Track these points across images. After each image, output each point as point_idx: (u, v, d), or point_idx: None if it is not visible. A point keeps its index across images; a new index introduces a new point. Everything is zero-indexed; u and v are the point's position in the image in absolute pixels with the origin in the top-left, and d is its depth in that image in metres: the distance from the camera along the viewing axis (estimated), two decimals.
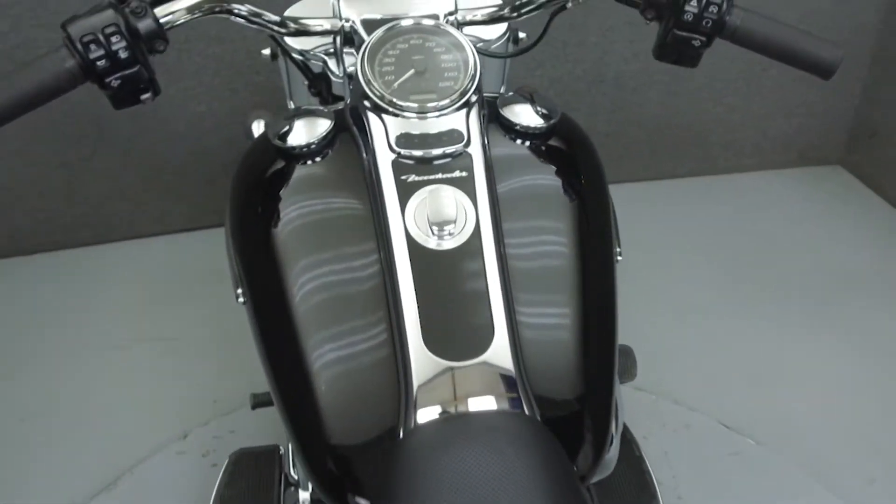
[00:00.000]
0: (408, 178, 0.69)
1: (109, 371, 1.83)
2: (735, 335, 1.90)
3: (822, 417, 1.67)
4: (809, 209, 2.44)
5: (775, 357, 1.83)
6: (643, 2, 0.77)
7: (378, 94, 0.72)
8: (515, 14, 0.85)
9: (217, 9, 0.75)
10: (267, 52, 1.06)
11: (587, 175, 0.79)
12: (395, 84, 0.73)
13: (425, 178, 0.69)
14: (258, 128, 1.21)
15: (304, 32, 0.85)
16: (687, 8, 0.73)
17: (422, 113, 0.72)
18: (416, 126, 0.72)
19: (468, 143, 0.71)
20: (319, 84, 0.98)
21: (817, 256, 2.21)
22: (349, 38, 0.86)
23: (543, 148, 0.78)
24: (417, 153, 0.70)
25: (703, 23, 0.73)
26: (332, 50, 0.94)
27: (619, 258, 0.78)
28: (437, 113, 0.72)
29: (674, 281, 2.08)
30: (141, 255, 2.22)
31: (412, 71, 0.74)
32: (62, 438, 1.65)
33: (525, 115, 0.79)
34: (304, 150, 0.74)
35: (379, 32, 0.77)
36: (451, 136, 0.71)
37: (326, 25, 0.85)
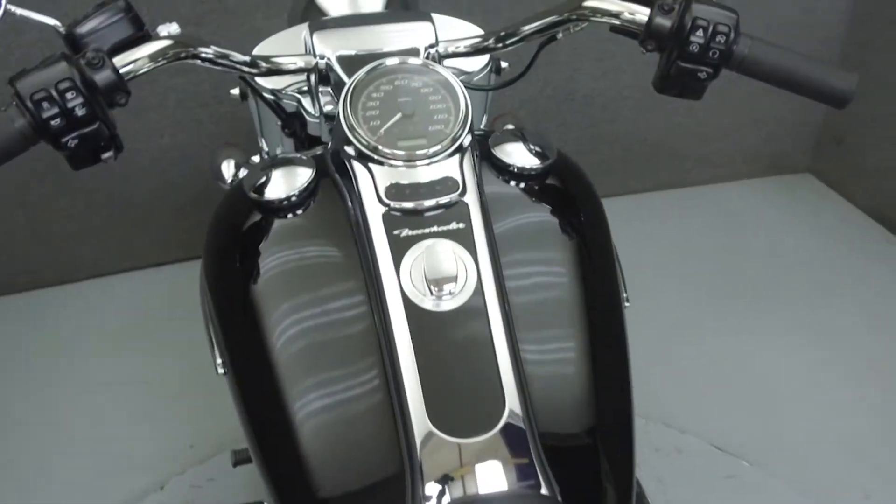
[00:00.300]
0: (401, 233, 0.64)
1: (79, 417, 1.74)
2: (719, 351, 1.88)
3: (813, 432, 1.65)
4: (782, 217, 2.45)
5: (761, 372, 1.82)
6: (642, 32, 0.72)
7: (363, 141, 0.67)
8: (500, 45, 0.81)
9: (182, 54, 0.70)
10: (236, 91, 1.01)
11: (588, 217, 0.76)
12: (382, 130, 0.68)
13: (420, 231, 0.64)
14: (228, 168, 1.16)
15: (276, 72, 0.80)
16: (692, 38, 0.68)
17: (412, 161, 0.67)
18: (406, 175, 0.67)
19: (463, 192, 0.66)
20: (293, 124, 0.93)
21: (794, 265, 2.21)
22: (324, 76, 0.81)
23: (541, 190, 0.74)
24: (409, 205, 0.65)
25: (710, 53, 0.69)
26: (305, 88, 0.89)
27: (626, 304, 0.74)
28: (428, 160, 0.67)
29: (651, 297, 2.05)
30: (107, 294, 2.14)
31: (399, 115, 0.69)
32: (29, 493, 1.57)
33: (519, 154, 0.74)
34: (284, 203, 0.69)
35: (361, 73, 0.71)
36: (445, 185, 0.66)
37: (300, 63, 0.80)
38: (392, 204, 0.65)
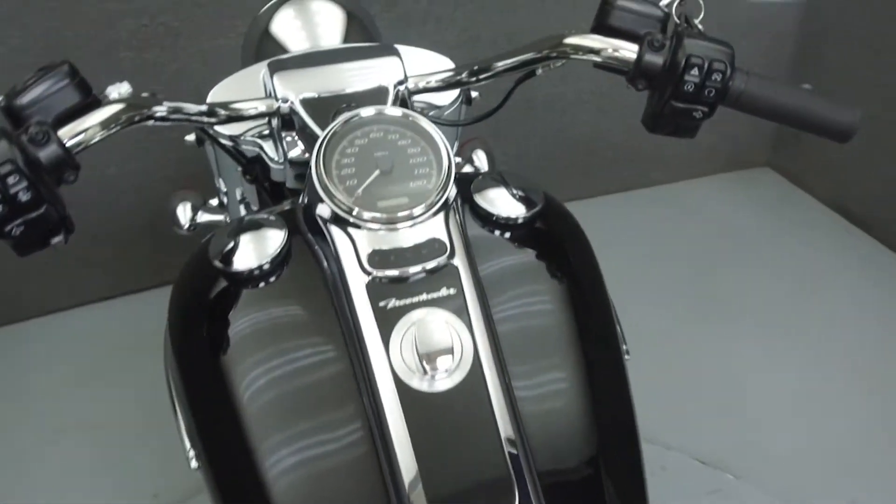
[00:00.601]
0: (387, 304, 0.58)
1: (33, 469, 1.64)
2: (693, 358, 1.86)
3: (794, 439, 1.65)
4: (745, 212, 2.46)
5: (737, 377, 1.81)
6: (632, 70, 0.68)
7: (340, 204, 0.61)
8: (474, 80, 0.76)
9: (136, 118, 0.63)
10: (191, 138, 0.93)
11: (582, 266, 0.71)
12: (359, 190, 0.62)
13: (408, 301, 0.58)
14: (184, 212, 1.09)
15: (236, 118, 0.74)
16: (687, 77, 0.64)
17: (394, 224, 0.61)
18: (388, 239, 0.61)
19: (452, 254, 0.61)
20: (255, 170, 0.86)
21: (760, 261, 2.22)
22: (288, 120, 0.75)
23: (531, 240, 0.69)
24: (394, 273, 0.59)
25: (706, 92, 0.65)
26: (266, 132, 0.83)
27: (627, 356, 0.70)
28: (411, 222, 0.61)
29: (620, 302, 2.03)
30: (56, 332, 2.02)
31: (377, 172, 0.63)
32: None
33: (503, 202, 0.69)
34: (255, 272, 0.62)
35: (335, 127, 0.65)
36: (432, 248, 0.61)
37: (261, 107, 0.74)
38: (375, 272, 0.59)
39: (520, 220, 0.68)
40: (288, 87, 0.74)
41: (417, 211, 0.61)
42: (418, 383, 0.55)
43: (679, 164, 2.59)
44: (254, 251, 0.63)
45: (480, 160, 1.11)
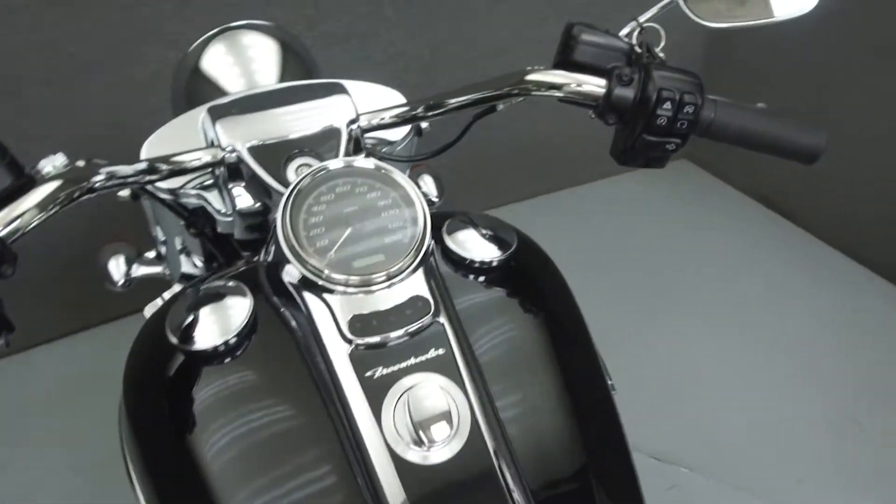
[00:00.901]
0: (374, 374, 0.55)
1: None
2: (635, 352, 1.90)
3: (740, 426, 1.71)
4: (669, 204, 2.55)
5: (679, 369, 1.87)
6: (601, 105, 0.67)
7: (312, 268, 0.57)
8: (430, 114, 0.74)
9: (76, 193, 0.58)
10: (125, 193, 0.88)
11: (562, 306, 0.70)
12: (332, 252, 0.58)
13: (396, 367, 0.55)
14: (117, 267, 1.01)
15: (179, 172, 0.68)
16: (660, 112, 0.64)
17: (372, 286, 0.57)
18: (368, 302, 0.57)
19: (436, 311, 0.58)
20: (199, 223, 0.81)
21: (688, 252, 2.30)
22: (234, 170, 0.70)
23: (508, 282, 0.67)
24: (378, 339, 0.56)
25: (678, 125, 0.65)
26: (209, 182, 0.78)
27: (614, 391, 0.70)
28: (391, 282, 0.58)
29: None
30: None
31: (349, 230, 0.59)
32: None
33: (475, 244, 0.67)
34: (221, 348, 0.58)
35: (300, 183, 0.61)
36: (415, 307, 0.58)
37: (205, 158, 0.69)
38: (358, 340, 0.56)
39: (494, 263, 0.66)
40: (233, 134, 0.69)
41: (396, 269, 0.58)
42: (416, 456, 0.52)
43: (604, 161, 2.63)
44: (217, 326, 0.58)
45: (428, 186, 1.09)
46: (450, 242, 0.66)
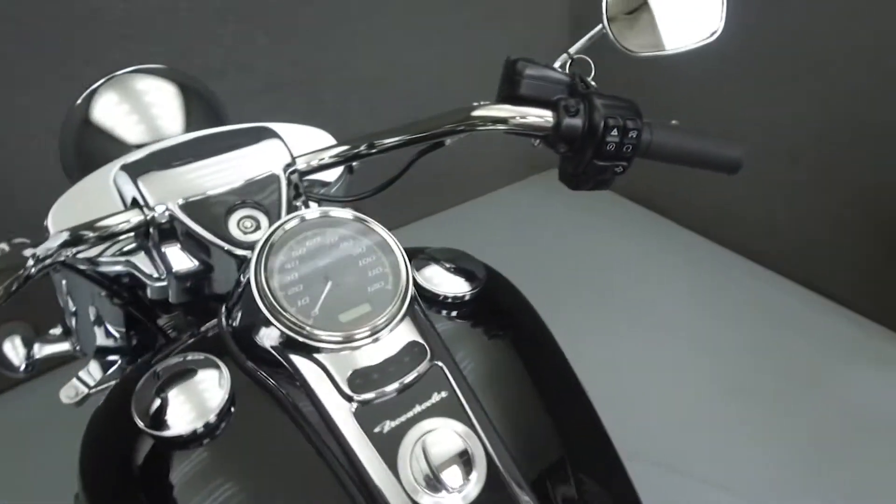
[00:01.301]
0: (383, 429, 0.52)
1: None
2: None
3: (674, 420, 1.78)
4: (558, 212, 2.63)
5: (607, 371, 1.92)
6: (551, 136, 0.70)
7: (297, 328, 0.53)
8: (373, 151, 0.71)
9: (14, 286, 0.52)
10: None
11: (537, 331, 0.71)
12: (316, 309, 0.54)
13: (403, 418, 0.53)
14: (15, 350, 0.88)
15: (107, 238, 0.61)
16: (609, 139, 0.68)
17: (363, 340, 0.54)
18: (363, 356, 0.54)
19: (433, 355, 0.56)
20: (124, 293, 0.73)
21: (584, 258, 2.38)
22: (166, 230, 0.64)
23: (483, 315, 0.67)
24: (381, 393, 0.53)
25: (625, 149, 0.69)
26: (132, 245, 0.70)
27: None
28: (382, 332, 0.55)
29: None
30: None
31: (329, 283, 0.56)
32: None
33: (445, 280, 0.66)
34: (201, 430, 0.52)
35: (273, 238, 0.57)
36: (412, 353, 0.55)
37: (132, 220, 0.62)
38: (360, 397, 0.53)
39: (467, 297, 0.66)
40: (161, 192, 0.63)
41: (385, 319, 0.55)
42: (442, 502, 0.50)
43: (490, 175, 2.70)
44: (193, 406, 0.53)
45: None
46: (420, 280, 0.65)
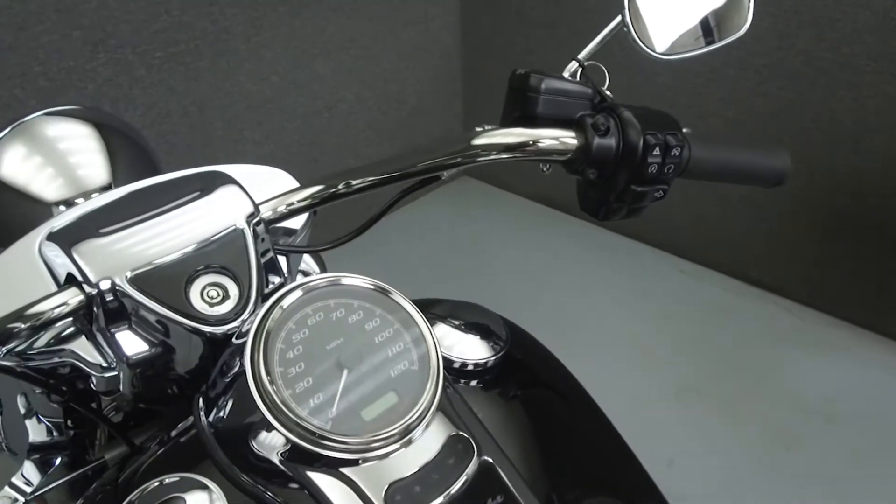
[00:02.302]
0: None
1: None
2: None
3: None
4: (465, 222, 2.59)
5: None
6: (577, 159, 0.60)
7: (313, 436, 0.42)
8: (352, 190, 0.59)
9: None
10: None
11: (568, 388, 0.63)
12: (334, 409, 0.43)
13: None
14: None
15: (42, 326, 0.48)
16: (650, 159, 0.58)
17: (396, 443, 0.44)
18: (400, 463, 0.43)
19: (480, 450, 0.46)
20: (61, 388, 0.59)
21: (500, 261, 2.35)
22: (113, 309, 0.50)
23: (510, 380, 0.58)
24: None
25: (667, 170, 0.60)
26: (70, 330, 0.55)
27: None
28: (418, 429, 0.45)
29: None
30: None
31: (345, 373, 0.45)
32: None
33: (462, 342, 0.57)
34: None
35: (271, 316, 0.45)
36: (457, 453, 0.45)
37: (70, 302, 0.48)
38: None
39: (491, 362, 0.57)
40: (103, 263, 0.49)
41: (419, 412, 0.44)
42: None
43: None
44: None
45: (310, 265, 0.93)
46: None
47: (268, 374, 0.43)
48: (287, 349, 0.44)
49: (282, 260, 0.62)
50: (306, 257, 0.91)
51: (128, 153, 0.77)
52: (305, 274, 0.85)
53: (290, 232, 0.67)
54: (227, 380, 0.46)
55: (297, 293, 0.47)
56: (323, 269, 0.96)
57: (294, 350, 0.44)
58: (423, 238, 2.49)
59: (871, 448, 1.71)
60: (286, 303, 0.46)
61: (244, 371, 0.43)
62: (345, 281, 0.49)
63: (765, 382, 1.91)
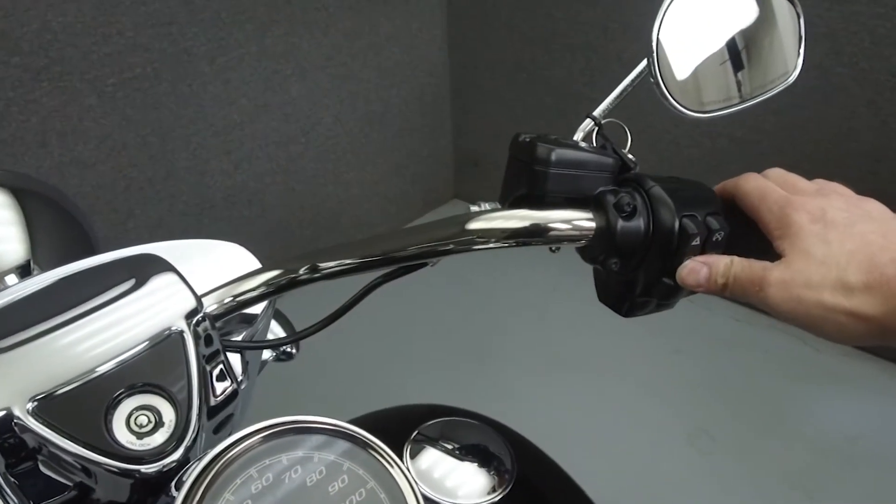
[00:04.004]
0: None
1: None
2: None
3: (638, 475, 1.61)
4: None
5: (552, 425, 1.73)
6: (596, 245, 0.48)
7: None
8: (319, 277, 0.49)
9: None
10: None
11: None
12: None
13: None
14: None
15: None
16: (687, 249, 0.46)
17: None
18: None
19: None
20: None
21: (488, 288, 2.20)
22: (14, 446, 0.39)
23: None
24: None
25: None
26: None
27: None
28: None
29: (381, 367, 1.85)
30: None
31: None
32: None
33: (460, 481, 0.49)
34: None
35: (202, 483, 0.35)
36: None
37: None
38: None
39: (499, 497, 0.49)
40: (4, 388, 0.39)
41: None
42: None
43: (380, 220, 2.45)
44: None
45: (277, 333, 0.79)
46: (428, 490, 0.48)
47: None
48: None
49: (236, 357, 0.53)
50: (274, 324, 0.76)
51: (53, 226, 0.64)
52: (276, 352, 0.72)
53: (247, 318, 0.55)
54: None
55: (235, 452, 0.36)
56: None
57: None
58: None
59: None
60: (220, 469, 0.35)
61: None
62: (300, 428, 0.38)
63: (782, 421, 1.78)
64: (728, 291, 0.45)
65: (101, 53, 1.55)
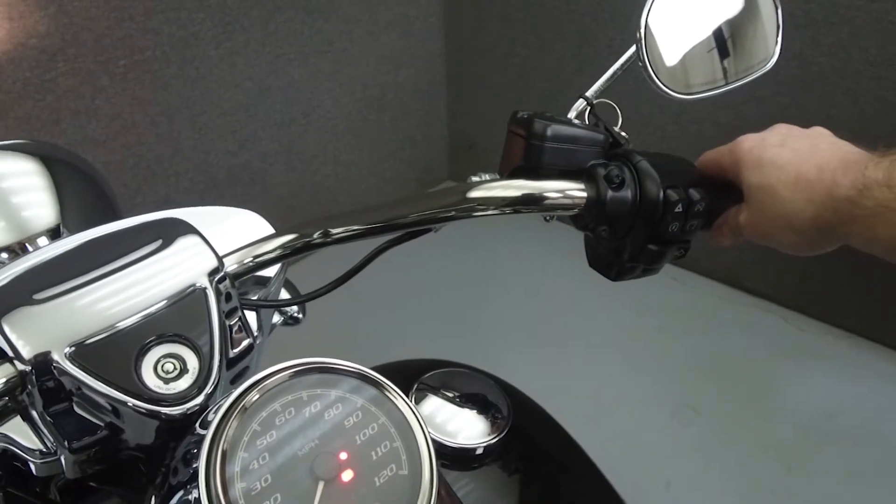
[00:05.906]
0: None
1: None
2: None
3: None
4: (450, 228, 2.50)
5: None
6: (586, 213, 0.53)
7: None
8: (330, 241, 0.53)
9: None
10: None
11: (572, 460, 0.59)
12: None
13: None
14: None
15: None
16: (671, 217, 0.52)
17: None
18: None
19: None
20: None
21: (488, 271, 2.27)
22: (51, 388, 0.43)
23: (514, 459, 0.54)
24: None
25: (689, 226, 0.53)
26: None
27: None
28: None
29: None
30: None
31: (320, 486, 0.37)
32: None
33: (461, 424, 0.51)
34: None
35: (228, 428, 0.38)
36: None
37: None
38: None
39: (492, 445, 0.52)
40: (38, 334, 0.43)
41: None
42: None
43: (382, 199, 2.51)
44: None
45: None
46: (431, 430, 0.46)
47: (225, 494, 0.35)
48: (250, 459, 0.37)
49: (252, 315, 0.57)
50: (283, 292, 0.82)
51: (81, 192, 0.69)
52: (284, 316, 0.78)
53: (261, 280, 0.60)
54: (184, 480, 0.40)
55: (263, 386, 0.39)
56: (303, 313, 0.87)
57: (259, 460, 0.37)
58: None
59: (873, 466, 1.66)
60: (249, 401, 0.38)
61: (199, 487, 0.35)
62: (319, 368, 0.41)
63: (763, 397, 1.85)
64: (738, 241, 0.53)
65: (113, 37, 1.61)
